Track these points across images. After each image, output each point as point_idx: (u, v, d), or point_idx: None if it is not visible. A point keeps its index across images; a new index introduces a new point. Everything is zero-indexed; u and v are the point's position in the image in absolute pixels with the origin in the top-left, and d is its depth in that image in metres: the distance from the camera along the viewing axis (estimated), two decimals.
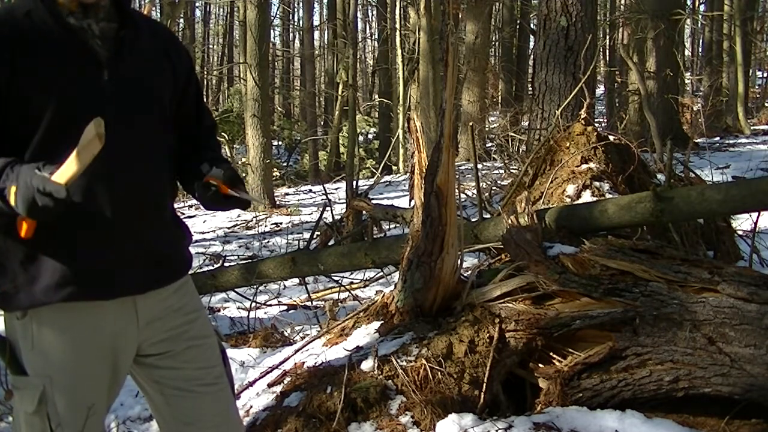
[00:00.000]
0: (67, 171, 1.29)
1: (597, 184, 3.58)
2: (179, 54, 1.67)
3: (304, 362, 2.69)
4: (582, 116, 4.01)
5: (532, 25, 16.98)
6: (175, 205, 1.75)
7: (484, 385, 2.36)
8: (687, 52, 21.00)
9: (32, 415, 1.50)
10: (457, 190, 3.12)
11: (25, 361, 1.51)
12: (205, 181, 1.61)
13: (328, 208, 5.05)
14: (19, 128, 1.43)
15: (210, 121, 1.81)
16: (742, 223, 4.22)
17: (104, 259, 1.50)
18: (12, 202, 1.32)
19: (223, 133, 14.27)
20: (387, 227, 6.25)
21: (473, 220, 3.77)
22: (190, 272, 1.73)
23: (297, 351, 2.88)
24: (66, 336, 1.50)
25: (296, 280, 4.93)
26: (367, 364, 2.42)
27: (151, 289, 1.57)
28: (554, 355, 2.50)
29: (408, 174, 3.49)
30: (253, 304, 4.39)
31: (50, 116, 1.42)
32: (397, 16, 14.22)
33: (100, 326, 1.52)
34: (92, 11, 1.48)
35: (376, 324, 2.72)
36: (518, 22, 18.33)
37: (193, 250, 1.80)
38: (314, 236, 4.63)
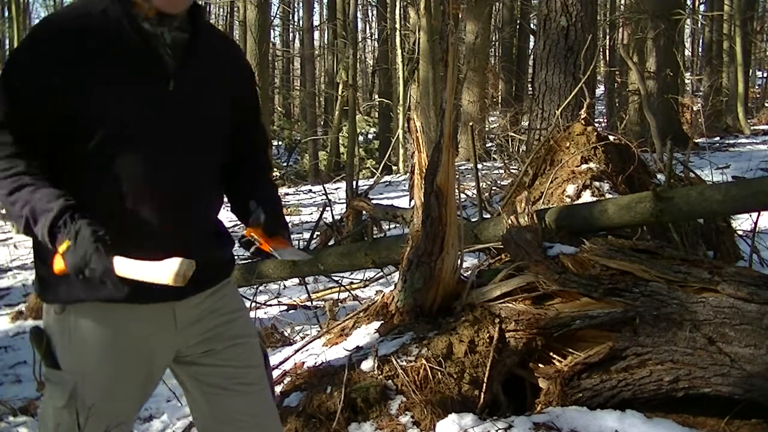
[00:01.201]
0: (130, 271, 1.31)
1: (597, 184, 3.59)
2: (242, 71, 1.68)
3: (304, 362, 2.69)
4: (582, 116, 4.02)
5: (532, 25, 16.97)
6: None
7: (484, 385, 2.36)
8: (687, 52, 20.97)
9: (61, 410, 1.50)
10: (457, 190, 3.12)
11: (59, 355, 1.51)
12: (246, 236, 1.59)
13: (328, 208, 5.05)
14: (74, 128, 1.40)
15: (264, 140, 1.79)
16: (742, 223, 4.22)
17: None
18: (59, 251, 1.31)
19: None
20: (387, 227, 6.24)
21: (473, 220, 3.77)
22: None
23: (297, 351, 2.88)
24: (102, 335, 1.50)
25: (296, 280, 4.93)
26: (367, 364, 2.42)
27: (190, 295, 1.55)
28: (554, 355, 2.50)
29: (408, 174, 3.49)
30: (253, 304, 4.39)
31: (109, 120, 1.40)
32: (397, 16, 14.19)
33: (137, 329, 1.52)
34: (167, 20, 1.46)
35: (376, 324, 2.72)
36: (518, 22, 18.33)
37: None
38: (314, 236, 4.63)
